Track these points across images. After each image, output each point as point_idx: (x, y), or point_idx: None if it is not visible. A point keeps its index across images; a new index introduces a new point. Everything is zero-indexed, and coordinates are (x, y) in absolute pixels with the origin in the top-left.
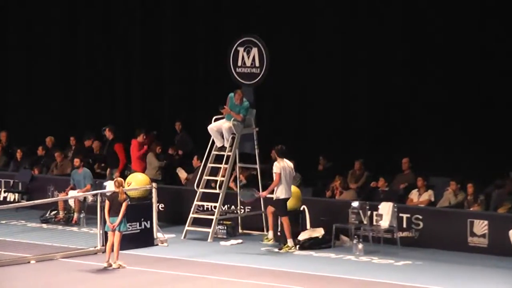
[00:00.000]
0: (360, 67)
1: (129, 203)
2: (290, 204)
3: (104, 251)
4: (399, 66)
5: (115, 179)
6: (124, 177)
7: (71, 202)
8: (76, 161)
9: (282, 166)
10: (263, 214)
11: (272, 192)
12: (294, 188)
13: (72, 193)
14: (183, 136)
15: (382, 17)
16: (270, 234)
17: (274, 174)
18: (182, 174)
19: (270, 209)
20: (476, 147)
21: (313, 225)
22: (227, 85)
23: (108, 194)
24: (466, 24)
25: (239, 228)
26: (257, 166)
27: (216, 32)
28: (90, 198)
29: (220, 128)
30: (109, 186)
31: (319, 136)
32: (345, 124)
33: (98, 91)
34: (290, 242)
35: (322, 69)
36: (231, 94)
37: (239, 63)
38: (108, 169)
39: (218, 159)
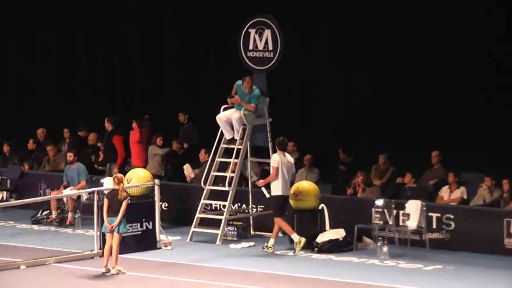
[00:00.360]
0: (391, 53)
1: (129, 201)
2: (307, 202)
3: (101, 255)
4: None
5: (114, 175)
6: (124, 173)
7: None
8: (70, 156)
9: (280, 160)
10: None
11: (268, 185)
12: (311, 185)
13: (66, 191)
14: (189, 128)
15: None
16: (271, 242)
17: (271, 168)
18: (188, 172)
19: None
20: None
21: (333, 226)
22: (234, 72)
23: (106, 192)
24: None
25: (251, 229)
26: (271, 161)
27: (216, 27)
28: (85, 196)
29: (229, 118)
30: (107, 183)
31: (338, 127)
32: (367, 114)
33: (98, 91)
34: (294, 236)
35: (343, 56)
36: (239, 82)
37: (251, 47)
38: (108, 165)
39: (227, 153)
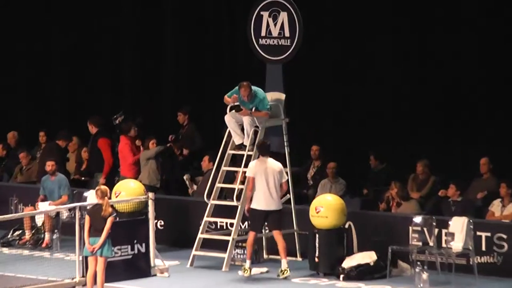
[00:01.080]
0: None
1: (116, 219)
2: (331, 220)
3: (84, 284)
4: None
5: (97, 188)
6: (112, 184)
7: (40, 220)
8: (49, 165)
9: (258, 168)
10: (295, 234)
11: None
12: (336, 199)
13: (42, 205)
14: (189, 130)
15: None
16: (284, 264)
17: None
18: (189, 184)
19: (276, 233)
20: None
21: (362, 248)
22: (244, 63)
23: (89, 207)
24: None
25: (264, 252)
26: (288, 169)
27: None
28: (65, 214)
29: (240, 119)
30: (91, 197)
31: (368, 128)
32: (403, 113)
33: (98, 91)
34: (247, 263)
35: (366, 44)
36: (234, 90)
37: (263, 33)
38: (95, 175)
39: (235, 160)
